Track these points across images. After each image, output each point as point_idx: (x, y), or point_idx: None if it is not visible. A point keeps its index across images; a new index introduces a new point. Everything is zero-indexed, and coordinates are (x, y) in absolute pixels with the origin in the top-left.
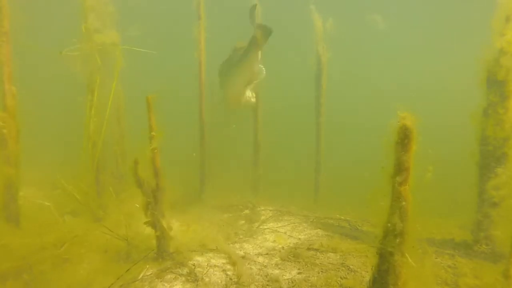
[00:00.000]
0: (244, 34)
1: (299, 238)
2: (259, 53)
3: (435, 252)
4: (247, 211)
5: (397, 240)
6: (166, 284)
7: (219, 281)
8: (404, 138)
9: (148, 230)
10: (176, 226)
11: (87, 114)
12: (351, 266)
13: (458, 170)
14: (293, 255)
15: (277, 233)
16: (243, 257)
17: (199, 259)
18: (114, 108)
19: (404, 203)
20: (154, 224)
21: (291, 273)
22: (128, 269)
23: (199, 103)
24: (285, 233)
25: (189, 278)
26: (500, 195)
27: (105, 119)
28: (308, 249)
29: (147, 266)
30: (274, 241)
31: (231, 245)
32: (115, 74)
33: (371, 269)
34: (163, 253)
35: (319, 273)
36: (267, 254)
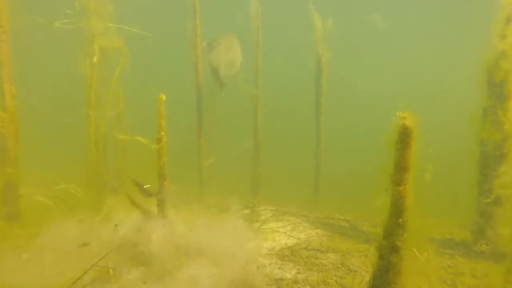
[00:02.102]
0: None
1: (299, 238)
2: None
3: (435, 252)
4: (247, 211)
5: (397, 239)
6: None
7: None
8: (404, 138)
9: None
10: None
11: (88, 115)
12: (351, 266)
13: (458, 170)
14: (293, 255)
15: (277, 233)
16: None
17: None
18: (114, 108)
19: (404, 202)
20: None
21: (290, 272)
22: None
23: (196, 103)
24: (285, 233)
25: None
26: (502, 194)
27: (106, 119)
28: (308, 249)
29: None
30: (274, 241)
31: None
32: (116, 71)
33: (371, 268)
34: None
35: (318, 272)
36: (267, 254)
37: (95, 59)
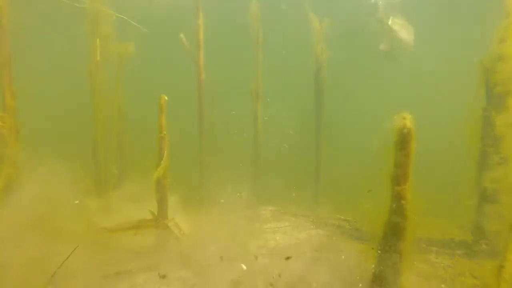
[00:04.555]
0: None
1: (299, 238)
2: None
3: (435, 252)
4: (247, 211)
5: (397, 239)
6: None
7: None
8: (403, 138)
9: None
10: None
11: (94, 116)
12: (351, 266)
13: (458, 170)
14: (293, 255)
15: (277, 233)
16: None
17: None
18: (114, 108)
19: (403, 202)
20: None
21: (291, 272)
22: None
23: (198, 104)
24: (285, 233)
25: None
26: (495, 191)
27: (110, 119)
28: (308, 248)
29: None
30: (274, 241)
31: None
32: (118, 70)
33: (371, 268)
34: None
35: (318, 272)
36: (267, 254)
37: (98, 58)
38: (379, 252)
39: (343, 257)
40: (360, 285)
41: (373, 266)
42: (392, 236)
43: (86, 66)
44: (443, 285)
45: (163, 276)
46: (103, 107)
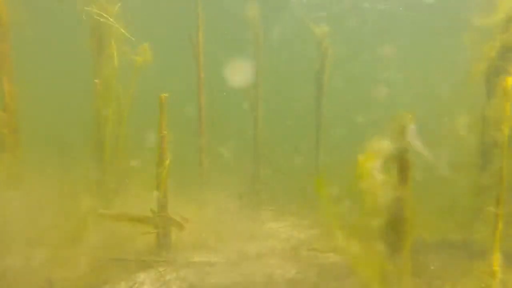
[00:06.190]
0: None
1: (299, 238)
2: None
3: (435, 252)
4: (247, 211)
5: (396, 239)
6: None
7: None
8: (403, 138)
9: None
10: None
11: (103, 119)
12: (351, 266)
13: (458, 170)
14: (293, 255)
15: (277, 233)
16: (244, 257)
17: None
18: (115, 108)
19: (402, 202)
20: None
21: (290, 272)
22: None
23: (198, 104)
24: (285, 233)
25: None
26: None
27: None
28: (308, 249)
29: None
30: (274, 241)
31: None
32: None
33: (372, 268)
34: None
35: (318, 273)
36: (267, 254)
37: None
38: (380, 252)
39: (342, 257)
40: (360, 285)
41: (373, 266)
42: (392, 236)
43: (92, 69)
44: (443, 286)
45: None
46: (110, 109)
